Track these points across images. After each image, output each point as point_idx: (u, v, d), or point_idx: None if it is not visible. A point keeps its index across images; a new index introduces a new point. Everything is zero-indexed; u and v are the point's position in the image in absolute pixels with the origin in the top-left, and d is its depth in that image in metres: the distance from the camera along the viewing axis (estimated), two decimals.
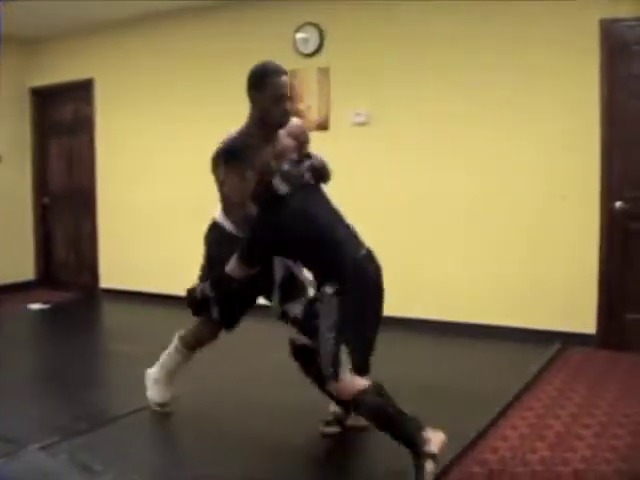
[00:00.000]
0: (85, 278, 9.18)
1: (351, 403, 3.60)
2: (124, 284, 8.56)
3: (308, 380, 4.00)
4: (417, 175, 6.70)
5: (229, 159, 3.85)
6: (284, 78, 3.94)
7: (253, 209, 3.76)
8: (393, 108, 6.74)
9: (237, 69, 7.40)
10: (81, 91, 9.06)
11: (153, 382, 4.52)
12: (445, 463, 3.57)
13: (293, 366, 4.07)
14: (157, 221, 8.28)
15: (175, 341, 4.46)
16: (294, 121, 4.20)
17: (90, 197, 9.01)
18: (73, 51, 9.07)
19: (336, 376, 3.51)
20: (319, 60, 7.11)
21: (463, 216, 6.54)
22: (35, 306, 8.15)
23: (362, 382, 3.50)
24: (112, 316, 8.28)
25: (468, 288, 6.54)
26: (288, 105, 3.96)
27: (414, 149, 6.70)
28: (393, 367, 4.76)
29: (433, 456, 3.36)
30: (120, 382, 5.35)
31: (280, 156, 3.86)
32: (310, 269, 3.80)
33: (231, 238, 4.00)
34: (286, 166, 3.72)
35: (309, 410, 4.37)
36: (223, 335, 4.33)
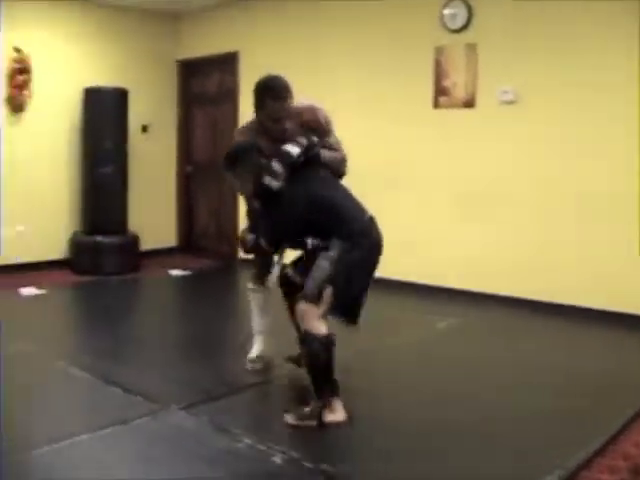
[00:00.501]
0: (224, 247, 9.38)
1: (303, 334, 3.90)
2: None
3: None
4: (561, 157, 6.47)
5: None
6: (280, 104, 4.16)
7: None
8: (542, 88, 6.52)
9: (384, 45, 7.51)
10: (226, 63, 9.25)
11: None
12: (589, 454, 3.52)
13: None
14: None
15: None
16: (306, 107, 4.35)
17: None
18: (218, 25, 9.27)
19: (311, 298, 3.82)
20: (467, 36, 6.95)
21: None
22: (176, 272, 8.42)
23: (322, 329, 3.81)
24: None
25: None
26: (287, 124, 4.16)
27: (560, 131, 6.48)
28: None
29: (318, 416, 3.79)
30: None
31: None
32: (319, 234, 3.97)
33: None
34: (273, 163, 3.94)
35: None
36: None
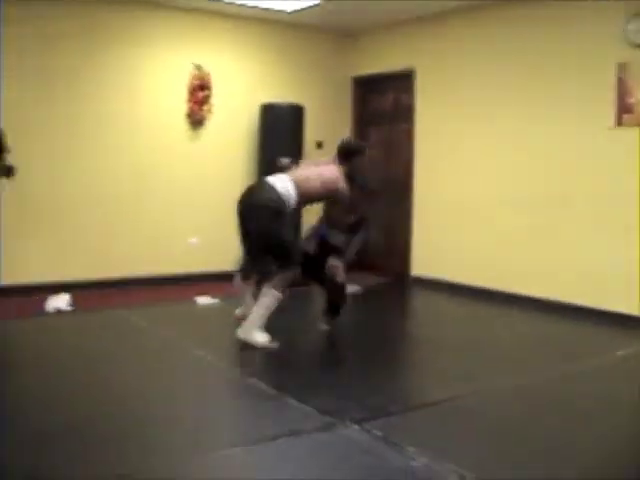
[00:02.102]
0: (396, 264, 9.29)
1: (339, 285, 6.05)
2: (434, 273, 8.57)
3: None
4: None
5: None
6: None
7: None
8: None
9: (558, 63, 7.25)
10: (402, 81, 9.18)
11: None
12: None
13: None
14: (475, 212, 8.17)
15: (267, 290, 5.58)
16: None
17: (406, 185, 9.10)
18: (395, 42, 9.23)
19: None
20: None
21: None
22: (351, 288, 8.35)
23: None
24: (421, 303, 8.36)
25: None
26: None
27: None
28: None
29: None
30: (429, 368, 5.34)
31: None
32: None
33: None
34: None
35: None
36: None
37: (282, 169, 6.55)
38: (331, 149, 9.44)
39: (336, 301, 6.18)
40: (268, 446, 3.66)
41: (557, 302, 7.12)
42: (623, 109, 6.73)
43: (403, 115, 9.21)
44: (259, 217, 5.57)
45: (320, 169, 5.86)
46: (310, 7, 8.28)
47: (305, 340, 6.23)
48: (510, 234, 7.69)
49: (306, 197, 5.74)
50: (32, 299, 7.15)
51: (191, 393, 4.56)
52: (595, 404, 4.51)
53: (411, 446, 3.65)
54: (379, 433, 3.82)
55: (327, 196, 5.85)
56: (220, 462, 3.50)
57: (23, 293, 7.41)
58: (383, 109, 9.65)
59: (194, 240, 8.72)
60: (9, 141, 6.78)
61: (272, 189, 5.56)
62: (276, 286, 5.55)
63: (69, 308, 7.10)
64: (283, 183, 5.60)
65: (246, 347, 5.49)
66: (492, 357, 5.56)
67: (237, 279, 6.30)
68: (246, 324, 5.53)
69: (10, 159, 6.71)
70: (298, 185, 5.63)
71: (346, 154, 6.02)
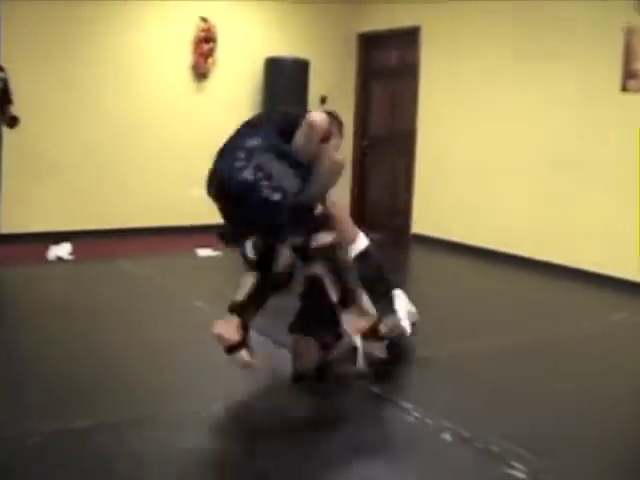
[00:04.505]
0: (397, 221, 9.31)
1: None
2: (435, 231, 8.58)
3: None
4: None
5: None
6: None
7: None
8: None
9: (564, 32, 7.18)
10: (407, 38, 9.12)
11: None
12: None
13: None
14: (477, 172, 8.16)
15: None
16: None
17: (410, 141, 9.07)
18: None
19: None
20: None
21: None
22: None
23: None
24: (421, 261, 8.38)
25: None
26: None
27: None
28: None
29: None
30: (426, 326, 5.35)
31: None
32: None
33: None
34: None
35: None
36: None
37: None
38: (335, 105, 9.49)
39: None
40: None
41: (561, 265, 7.11)
42: (628, 74, 6.70)
43: (408, 72, 9.16)
44: None
45: None
46: None
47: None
48: (513, 195, 7.68)
49: None
50: (34, 247, 7.20)
51: (192, 344, 4.60)
52: (583, 365, 4.58)
53: (406, 402, 3.71)
54: (376, 389, 3.89)
55: None
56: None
57: (26, 241, 7.46)
58: (388, 65, 9.60)
59: (196, 191, 8.72)
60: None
61: None
62: None
63: (70, 257, 7.16)
64: None
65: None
66: (488, 317, 5.60)
67: None
68: None
69: (14, 110, 6.71)
70: None
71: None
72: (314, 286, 3.94)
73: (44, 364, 4.20)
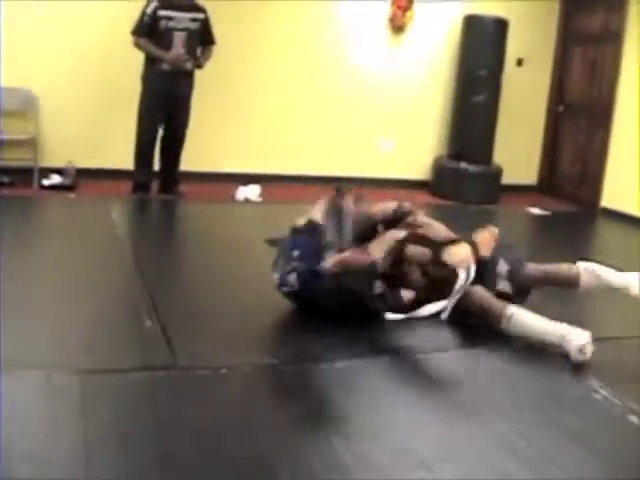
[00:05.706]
0: (586, 193, 8.99)
1: None
2: (625, 206, 8.21)
3: None
4: None
5: None
6: None
7: None
8: None
9: None
10: (613, 1, 8.71)
11: None
12: None
13: None
14: None
15: None
16: None
17: (607, 111, 8.70)
18: None
19: None
20: None
21: None
22: (536, 210, 8.28)
23: None
24: (608, 237, 8.05)
25: None
26: None
27: None
28: None
29: None
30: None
31: None
32: None
33: None
34: None
35: None
36: None
37: None
38: (532, 68, 9.24)
39: None
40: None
41: None
42: None
43: (611, 37, 8.75)
44: None
45: None
46: None
47: None
48: None
49: None
50: (225, 186, 7.45)
51: None
52: None
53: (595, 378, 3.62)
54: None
55: None
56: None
57: (218, 180, 7.76)
58: (590, 29, 9.18)
59: (388, 143, 8.76)
60: None
61: None
62: None
63: (258, 199, 7.35)
64: None
65: None
66: None
67: None
68: None
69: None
70: None
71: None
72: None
73: (231, 300, 4.37)
